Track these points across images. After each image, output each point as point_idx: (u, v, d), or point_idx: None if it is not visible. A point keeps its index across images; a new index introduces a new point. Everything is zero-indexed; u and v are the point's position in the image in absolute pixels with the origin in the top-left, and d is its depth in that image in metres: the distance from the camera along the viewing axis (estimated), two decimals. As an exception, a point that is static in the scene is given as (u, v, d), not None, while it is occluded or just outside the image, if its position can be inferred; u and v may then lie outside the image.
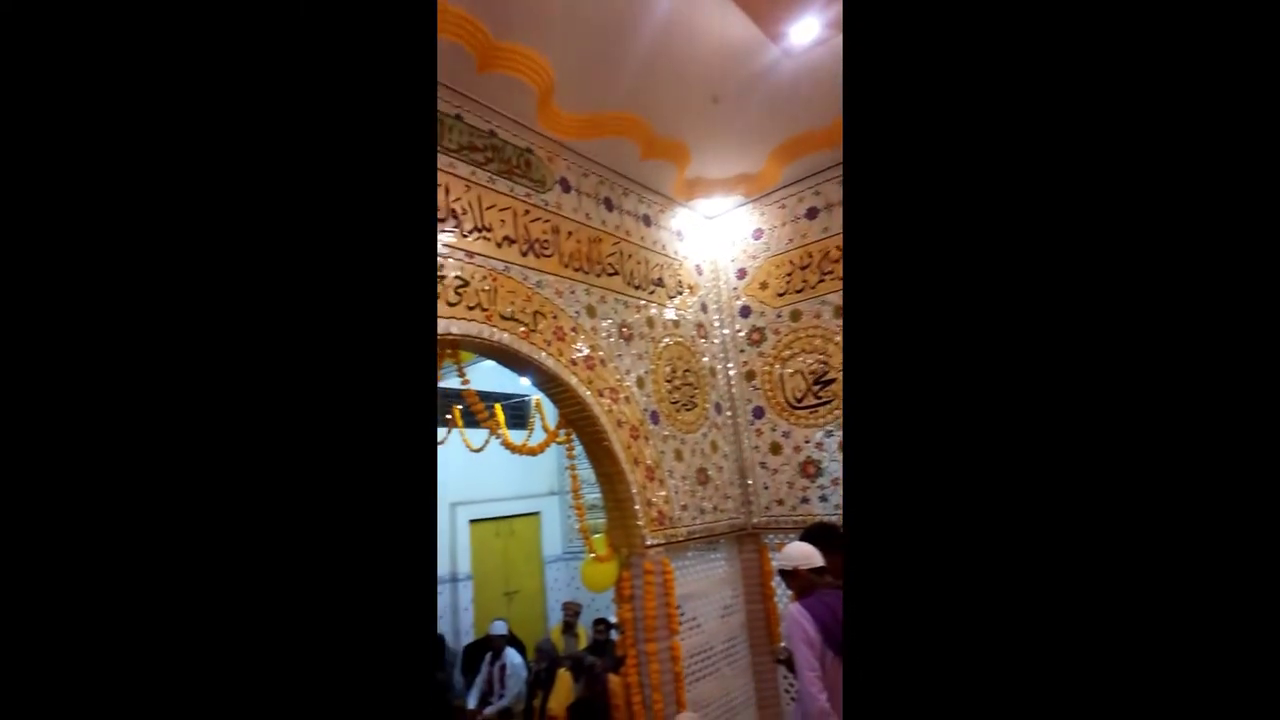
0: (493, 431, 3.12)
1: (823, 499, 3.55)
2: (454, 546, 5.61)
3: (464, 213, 2.63)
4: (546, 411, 4.01)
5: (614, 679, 3.58)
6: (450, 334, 2.47)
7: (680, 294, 3.74)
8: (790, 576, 2.36)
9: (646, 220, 3.62)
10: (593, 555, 3.12)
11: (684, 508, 3.41)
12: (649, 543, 3.13)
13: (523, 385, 5.08)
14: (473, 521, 5.79)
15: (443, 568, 5.51)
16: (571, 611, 4.81)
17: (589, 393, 3.00)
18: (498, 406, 3.42)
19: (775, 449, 3.75)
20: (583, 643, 4.61)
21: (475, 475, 5.49)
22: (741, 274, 3.94)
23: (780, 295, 3.78)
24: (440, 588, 5.45)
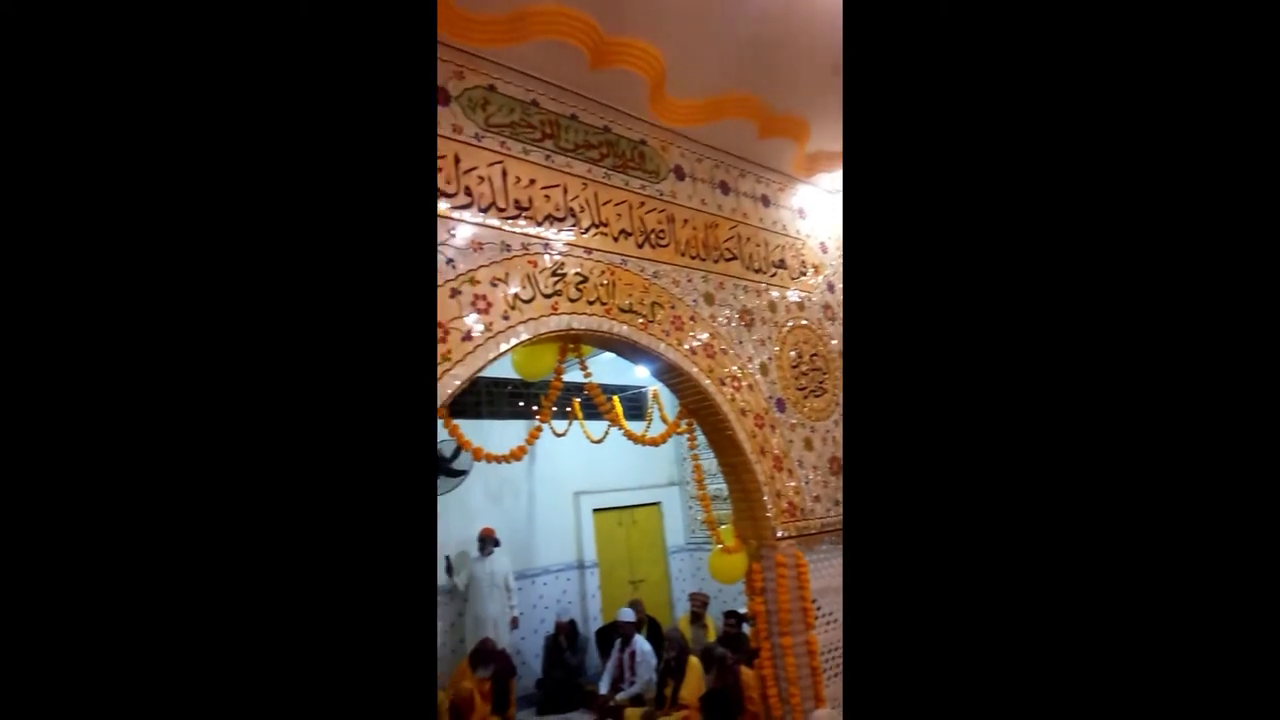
0: (614, 422, 3.26)
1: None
2: (579, 534, 5.92)
3: (581, 210, 2.76)
4: (664, 403, 4.11)
5: (746, 671, 3.61)
6: (572, 329, 2.61)
7: (804, 275, 3.66)
8: None
9: (765, 200, 3.58)
10: (721, 546, 3.16)
11: (816, 499, 3.35)
12: (779, 535, 3.12)
13: (639, 377, 5.25)
14: (596, 511, 6.07)
15: (569, 555, 5.84)
16: (699, 602, 4.91)
17: (709, 381, 3.04)
18: (615, 399, 3.56)
19: (913, 436, 3.56)
20: (711, 634, 4.70)
21: (596, 465, 5.75)
22: (869, 250, 3.77)
23: (914, 270, 3.57)
24: (568, 574, 5.79)
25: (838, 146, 3.46)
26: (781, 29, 2.61)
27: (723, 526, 3.29)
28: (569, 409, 4.28)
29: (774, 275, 3.51)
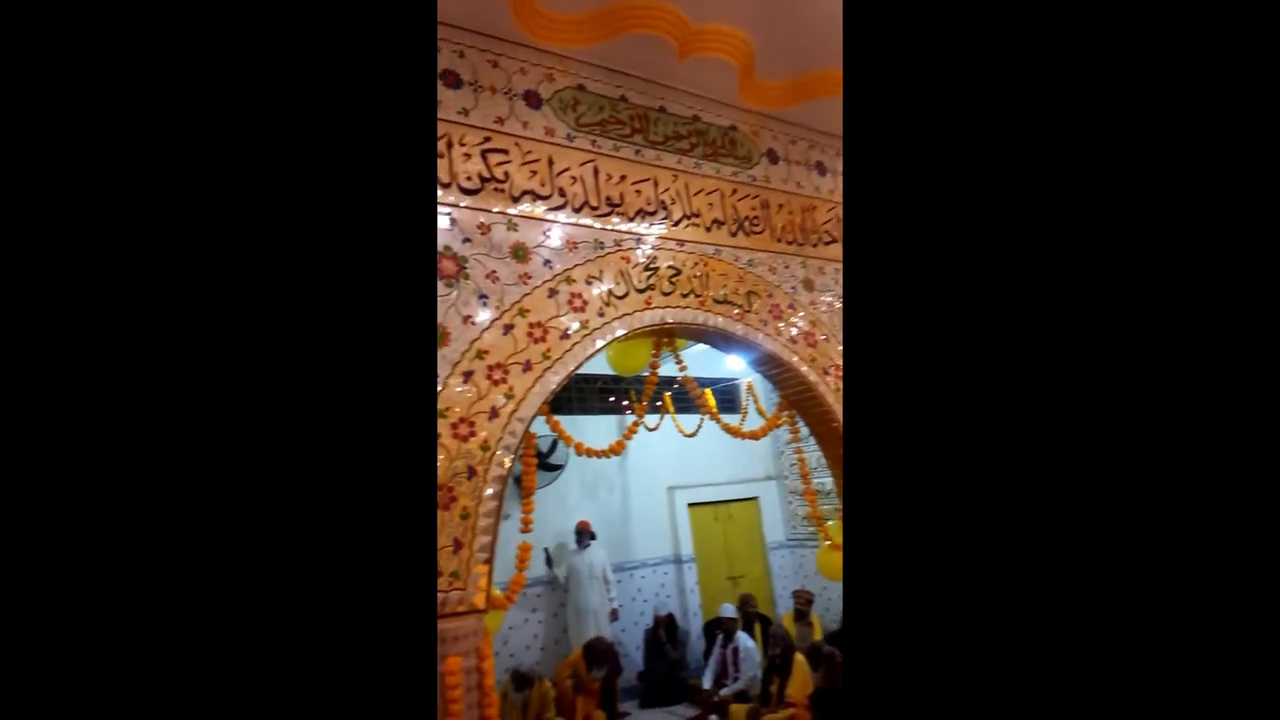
0: (712, 416, 3.27)
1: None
2: (675, 529, 5.99)
3: (672, 202, 2.79)
4: (758, 394, 4.07)
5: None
6: (666, 323, 2.64)
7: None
8: None
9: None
10: (829, 543, 3.11)
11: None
12: (889, 529, 3.03)
13: (730, 369, 5.22)
14: (691, 505, 6.13)
15: (666, 549, 5.92)
16: (803, 600, 4.84)
17: (811, 371, 2.99)
18: (708, 392, 3.57)
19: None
20: (817, 632, 4.63)
21: (689, 460, 5.80)
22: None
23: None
24: (665, 568, 5.88)
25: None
26: None
27: (829, 522, 3.23)
28: (659, 403, 4.35)
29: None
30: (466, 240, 2.21)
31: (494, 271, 2.24)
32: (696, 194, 2.88)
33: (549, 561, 5.10)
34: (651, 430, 4.41)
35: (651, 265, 2.66)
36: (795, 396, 3.10)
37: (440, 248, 2.14)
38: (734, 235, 2.95)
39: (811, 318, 3.07)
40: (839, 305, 3.18)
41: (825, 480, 3.28)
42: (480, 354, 2.15)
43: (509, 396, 2.18)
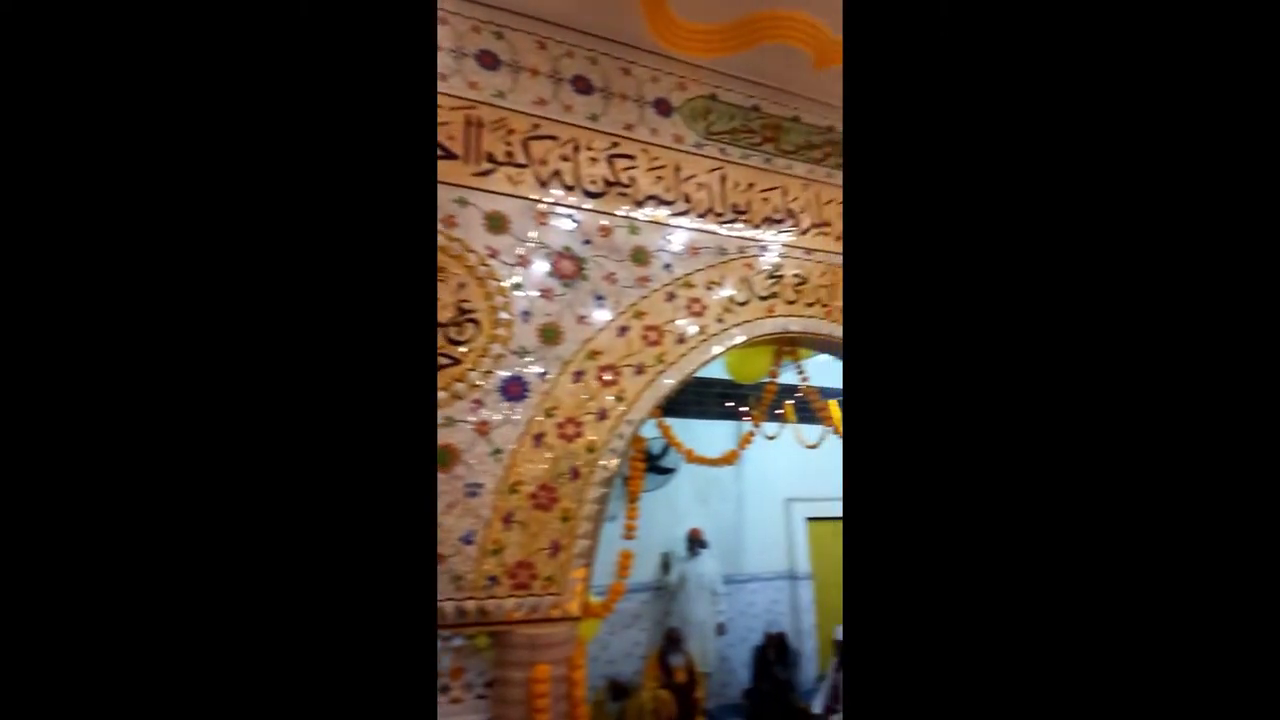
0: (836, 430, 2.96)
1: None
2: (791, 543, 5.58)
3: (801, 211, 2.56)
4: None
5: None
6: (789, 331, 2.42)
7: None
8: None
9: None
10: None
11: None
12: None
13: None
14: (810, 520, 5.68)
15: (780, 563, 5.52)
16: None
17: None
18: (833, 403, 3.24)
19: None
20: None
21: (810, 472, 5.35)
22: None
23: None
24: (779, 583, 5.48)
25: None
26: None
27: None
28: (780, 411, 4.03)
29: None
30: (587, 242, 2.15)
31: (612, 273, 2.16)
32: (827, 203, 2.62)
33: (666, 566, 4.93)
34: (770, 439, 4.12)
35: (776, 273, 2.45)
36: (928, 418, 2.70)
37: (560, 248, 2.09)
38: (866, 244, 2.64)
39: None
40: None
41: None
42: (593, 354, 2.06)
43: (619, 399, 2.07)
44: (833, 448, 3.20)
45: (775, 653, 4.75)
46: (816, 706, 4.25)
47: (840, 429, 2.94)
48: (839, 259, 2.57)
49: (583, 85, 2.25)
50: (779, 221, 2.51)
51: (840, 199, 2.64)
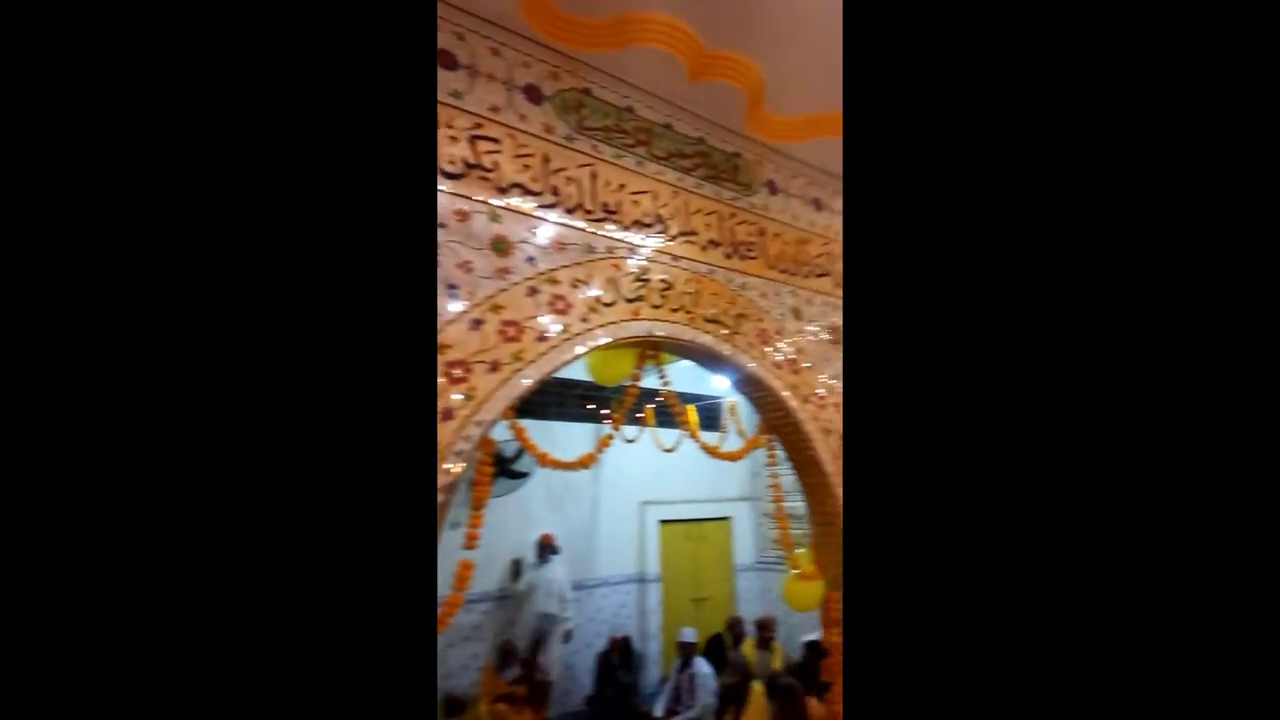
0: (692, 434, 3.03)
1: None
2: (643, 546, 5.65)
3: (671, 217, 2.58)
4: (741, 415, 3.83)
5: (815, 705, 3.25)
6: (654, 336, 2.42)
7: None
8: None
9: (817, 204, 3.27)
10: (796, 572, 2.85)
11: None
12: (859, 568, 2.77)
13: (715, 388, 4.96)
14: (663, 522, 5.80)
15: (631, 567, 5.56)
16: (766, 627, 4.52)
17: (793, 397, 2.75)
18: (691, 409, 3.32)
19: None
20: (778, 661, 4.31)
21: (666, 475, 5.48)
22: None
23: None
24: (628, 587, 5.51)
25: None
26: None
27: (799, 550, 2.97)
28: (640, 415, 4.07)
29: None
30: (441, 225, 1.96)
31: (468, 262, 1.99)
32: (695, 213, 2.67)
33: (516, 574, 4.71)
34: (629, 443, 4.13)
35: (644, 276, 2.43)
36: (775, 421, 2.86)
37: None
38: (729, 257, 2.73)
39: (798, 345, 2.85)
40: (825, 336, 2.96)
41: (799, 505, 3.01)
42: (440, 349, 1.88)
43: (469, 397, 1.91)
44: (689, 451, 3.29)
45: (619, 657, 4.74)
46: (658, 709, 4.31)
47: (697, 434, 3.01)
48: (704, 268, 2.63)
49: (448, 60, 2.06)
50: (649, 225, 2.50)
51: (707, 210, 2.70)
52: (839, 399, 2.91)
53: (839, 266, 3.10)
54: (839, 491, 2.78)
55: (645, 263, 2.45)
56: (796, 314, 2.89)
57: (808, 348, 2.88)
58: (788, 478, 2.99)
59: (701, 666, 4.26)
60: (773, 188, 2.96)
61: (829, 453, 2.79)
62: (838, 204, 3.18)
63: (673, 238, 2.56)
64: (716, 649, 4.67)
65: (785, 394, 2.74)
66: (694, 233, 2.64)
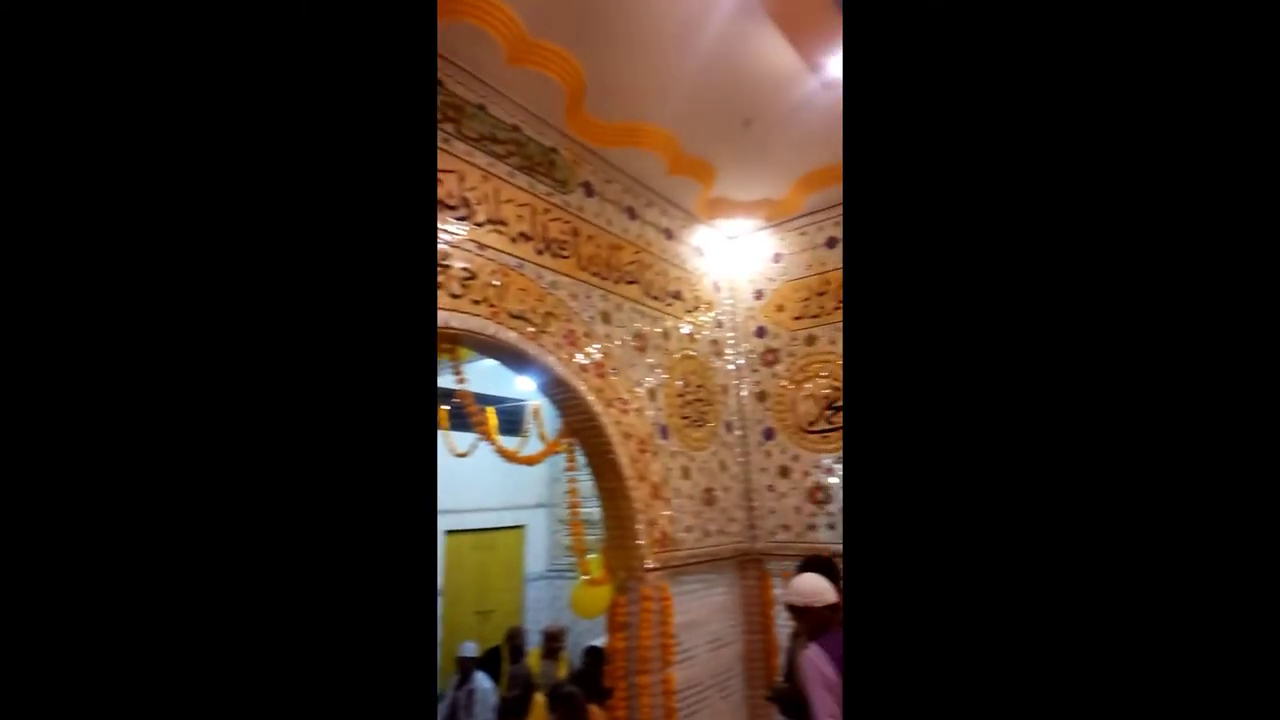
0: (487, 437, 2.84)
1: (830, 526, 3.30)
2: (431, 558, 5.21)
3: (479, 203, 2.40)
4: (544, 419, 3.74)
5: (597, 712, 3.25)
6: (450, 328, 2.20)
7: (697, 309, 3.53)
8: (802, 613, 2.11)
9: (668, 233, 3.42)
10: (586, 578, 2.83)
11: (688, 529, 3.13)
12: (649, 566, 2.85)
13: (518, 390, 4.77)
14: (449, 532, 5.42)
15: (417, 580, 5.10)
16: (554, 637, 4.44)
17: (597, 402, 2.75)
18: (490, 411, 3.14)
19: (784, 472, 3.50)
20: (564, 670, 4.26)
21: (458, 482, 5.11)
22: (759, 295, 3.75)
23: (796, 319, 3.58)
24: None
25: (739, 196, 3.42)
26: (703, 73, 2.50)
27: (590, 555, 2.96)
28: (434, 419, 3.74)
29: (670, 305, 3.32)
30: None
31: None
32: (506, 202, 2.52)
33: None
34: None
35: (443, 261, 2.22)
36: (578, 424, 2.82)
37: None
38: (540, 254, 2.63)
39: (605, 350, 2.85)
40: (632, 344, 3.02)
41: (595, 510, 3.01)
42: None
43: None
44: (483, 456, 3.09)
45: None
46: (437, 730, 3.97)
47: (494, 437, 2.83)
48: (512, 260, 2.50)
49: None
50: (452, 208, 2.30)
51: (519, 201, 2.58)
52: (640, 404, 2.99)
53: (648, 276, 3.20)
54: (635, 494, 2.84)
55: (445, 247, 2.24)
56: (606, 318, 2.90)
57: (615, 353, 2.90)
58: (586, 483, 2.97)
59: (481, 681, 4.02)
60: (589, 189, 2.95)
61: (628, 457, 2.84)
62: (650, 215, 3.29)
63: (479, 224, 2.39)
64: (493, 662, 4.46)
65: (590, 397, 2.72)
66: (504, 222, 2.49)
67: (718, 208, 3.52)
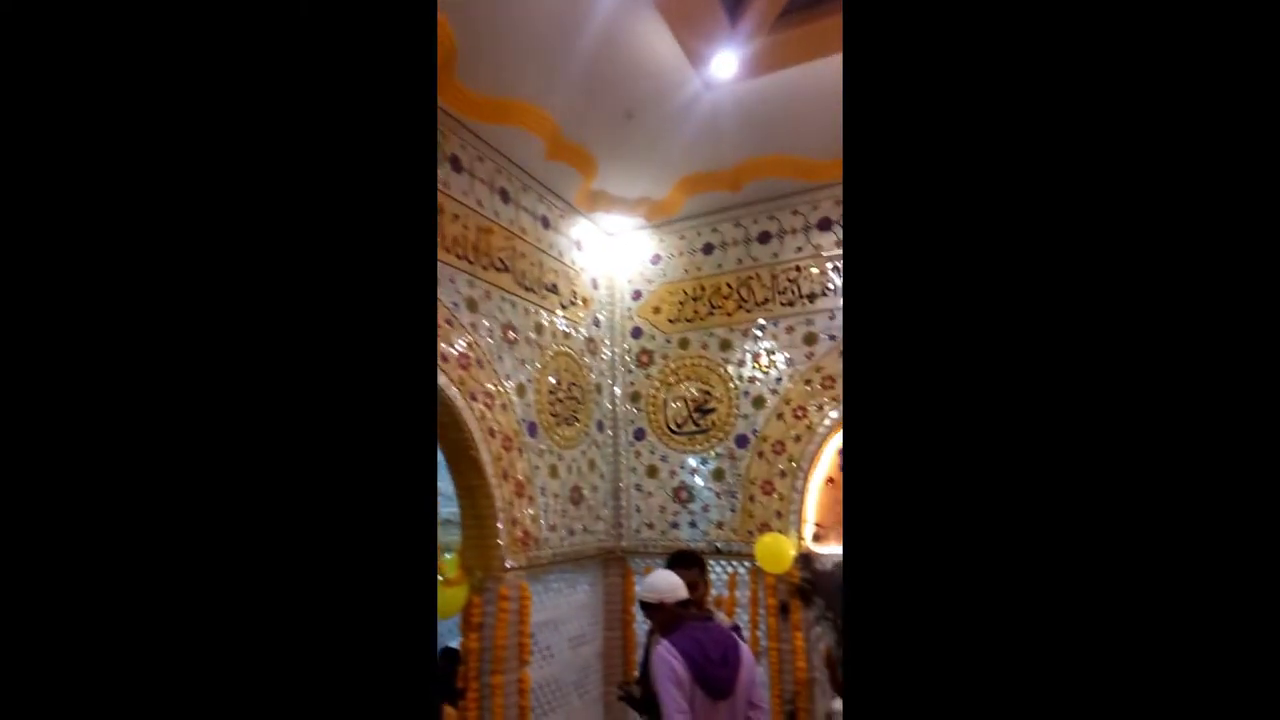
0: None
1: (692, 524, 3.38)
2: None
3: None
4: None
5: (449, 711, 3.10)
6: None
7: (574, 304, 3.45)
8: (654, 609, 2.12)
9: (545, 222, 3.32)
10: (441, 579, 2.67)
11: (553, 528, 3.06)
12: (509, 565, 2.74)
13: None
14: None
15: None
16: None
17: (459, 395, 2.60)
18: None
19: (652, 472, 3.53)
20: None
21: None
22: (636, 295, 3.74)
23: (672, 322, 3.62)
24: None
25: (620, 192, 3.40)
26: (586, 57, 2.43)
27: (446, 556, 2.80)
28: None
29: (544, 298, 3.22)
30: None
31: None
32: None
33: None
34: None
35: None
36: (439, 419, 2.65)
37: None
38: (402, 233, 2.44)
39: (470, 339, 2.70)
40: (501, 335, 2.89)
41: (453, 510, 2.85)
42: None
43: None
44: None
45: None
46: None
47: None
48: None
49: None
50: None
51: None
52: (507, 399, 2.87)
53: (521, 265, 3.08)
54: (497, 493, 2.73)
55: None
56: (472, 305, 2.75)
57: (481, 343, 2.76)
58: (445, 482, 2.81)
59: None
60: (456, 164, 2.75)
61: (491, 455, 2.72)
62: (525, 201, 3.17)
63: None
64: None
65: (452, 390, 2.56)
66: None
67: (598, 201, 3.47)
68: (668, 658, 1.99)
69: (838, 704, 2.50)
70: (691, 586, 2.20)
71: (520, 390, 2.96)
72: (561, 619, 3.14)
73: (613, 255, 3.81)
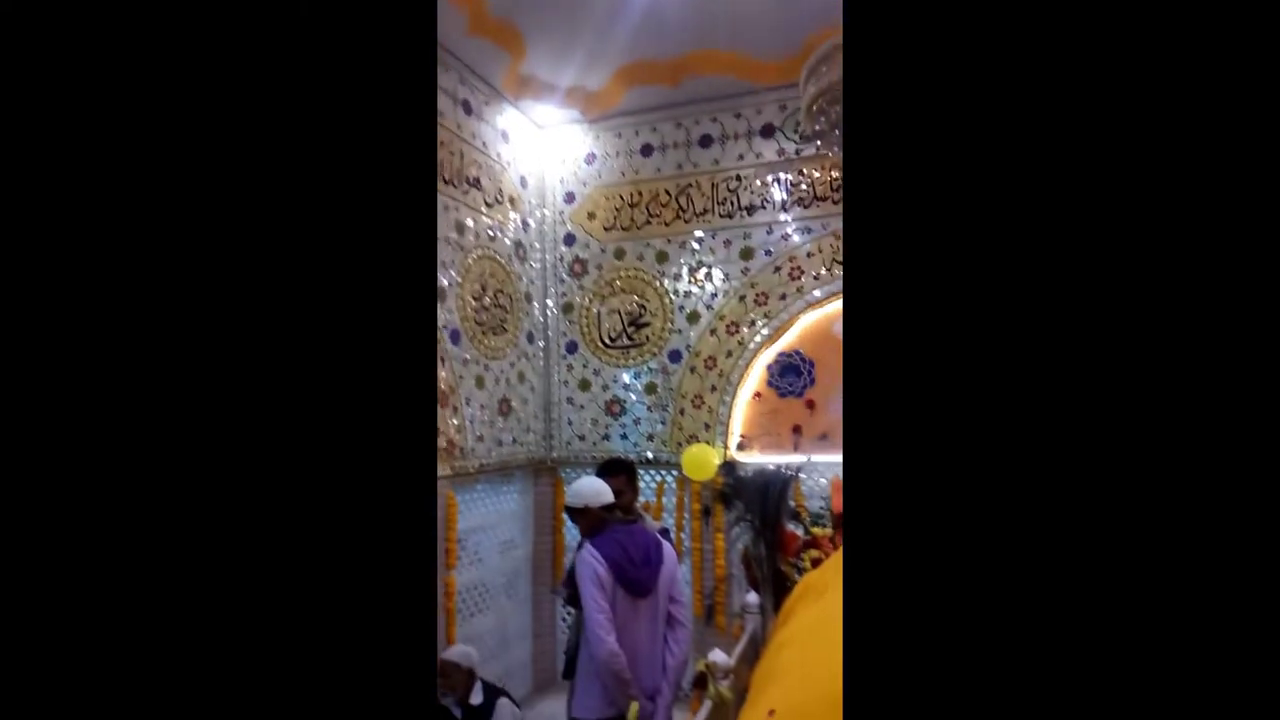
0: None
1: (624, 436, 3.40)
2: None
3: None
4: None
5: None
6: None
7: (500, 204, 3.20)
8: (580, 514, 2.14)
9: (467, 107, 2.97)
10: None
11: (480, 439, 2.98)
12: (433, 476, 2.68)
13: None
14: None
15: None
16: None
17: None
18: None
19: (584, 385, 3.48)
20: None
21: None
22: (570, 198, 3.51)
23: (607, 229, 3.44)
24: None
25: (551, 77, 3.07)
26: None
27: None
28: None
29: (466, 193, 2.95)
30: None
31: None
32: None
33: None
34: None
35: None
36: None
37: None
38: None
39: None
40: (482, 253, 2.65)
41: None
42: None
43: None
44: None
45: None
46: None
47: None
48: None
49: None
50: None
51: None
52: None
53: (439, 154, 2.77)
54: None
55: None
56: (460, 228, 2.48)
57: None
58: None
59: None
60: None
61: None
62: (446, 81, 2.80)
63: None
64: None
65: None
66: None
67: (527, 87, 3.14)
68: (590, 560, 2.02)
69: (752, 597, 2.67)
70: (619, 493, 2.21)
71: (441, 295, 2.76)
72: (490, 525, 3.15)
73: (544, 151, 3.52)
